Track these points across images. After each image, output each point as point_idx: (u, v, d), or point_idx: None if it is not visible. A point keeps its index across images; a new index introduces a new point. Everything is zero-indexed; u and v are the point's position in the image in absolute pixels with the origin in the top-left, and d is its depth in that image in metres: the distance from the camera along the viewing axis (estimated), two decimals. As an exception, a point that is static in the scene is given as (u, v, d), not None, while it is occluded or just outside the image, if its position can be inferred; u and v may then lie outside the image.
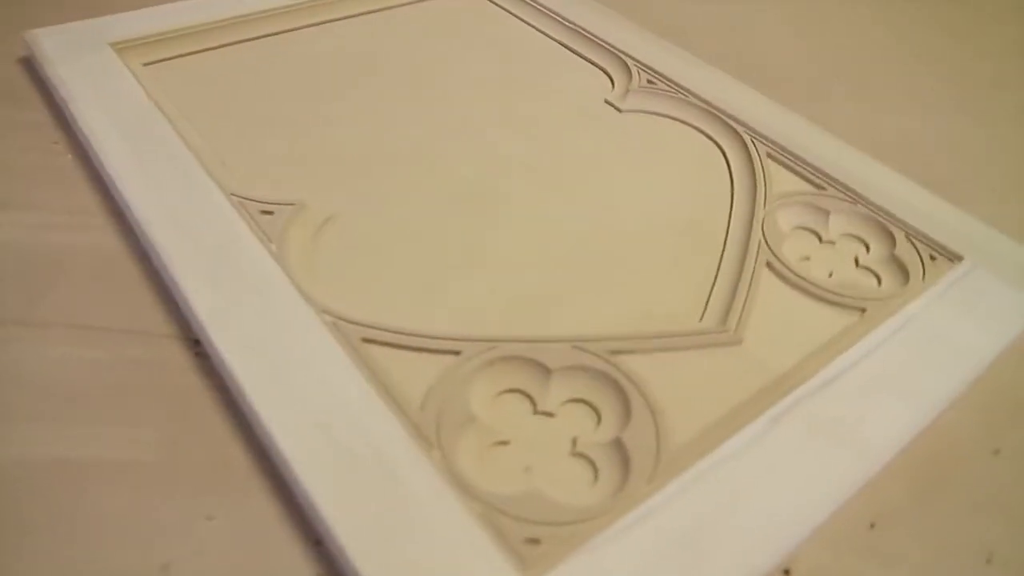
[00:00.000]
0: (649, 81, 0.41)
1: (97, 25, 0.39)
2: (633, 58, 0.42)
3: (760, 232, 0.32)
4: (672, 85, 0.41)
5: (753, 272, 0.30)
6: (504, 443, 0.24)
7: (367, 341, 0.26)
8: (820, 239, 0.33)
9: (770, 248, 0.32)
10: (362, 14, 0.45)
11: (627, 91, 0.40)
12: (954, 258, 0.32)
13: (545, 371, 0.26)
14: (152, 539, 0.21)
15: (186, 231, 0.28)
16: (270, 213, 0.30)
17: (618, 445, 0.24)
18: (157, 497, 0.22)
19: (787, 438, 0.24)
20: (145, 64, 0.38)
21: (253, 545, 0.22)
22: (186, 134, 0.33)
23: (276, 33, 0.42)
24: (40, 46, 0.37)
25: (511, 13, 0.47)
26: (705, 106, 0.39)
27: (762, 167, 0.36)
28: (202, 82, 0.38)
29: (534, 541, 0.21)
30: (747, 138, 0.37)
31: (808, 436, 0.24)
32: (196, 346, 0.27)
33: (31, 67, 0.38)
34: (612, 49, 0.43)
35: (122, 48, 0.38)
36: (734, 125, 0.38)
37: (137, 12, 0.40)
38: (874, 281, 0.31)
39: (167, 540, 0.21)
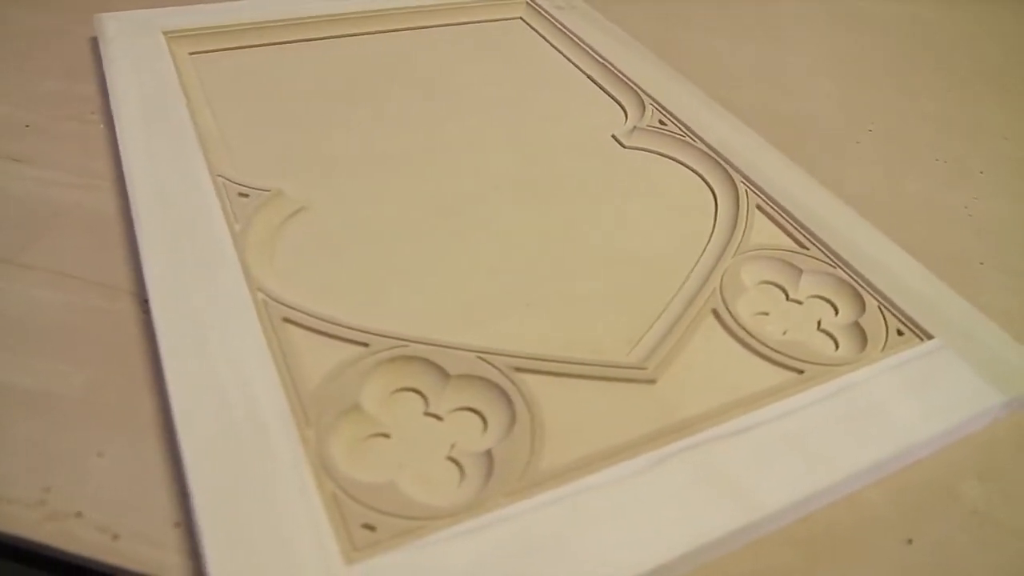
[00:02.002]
0: (660, 121, 0.41)
1: (157, 14, 0.43)
2: (652, 97, 0.43)
3: (718, 280, 0.32)
4: (682, 127, 0.41)
5: (695, 317, 0.30)
6: (385, 436, 0.25)
7: (287, 321, 0.27)
8: (787, 296, 0.32)
9: (722, 297, 0.31)
10: (404, 29, 0.48)
11: (634, 128, 0.41)
12: (924, 336, 0.30)
13: (444, 376, 0.26)
14: (42, 463, 0.24)
15: (165, 201, 0.31)
16: (246, 196, 0.32)
17: (488, 456, 0.24)
18: (60, 428, 0.25)
19: (666, 480, 0.24)
20: (191, 53, 0.42)
21: (130, 485, 0.23)
22: (200, 118, 0.37)
23: (319, 39, 0.45)
24: (104, 28, 0.42)
25: (547, 40, 0.49)
26: (709, 151, 0.39)
27: (746, 217, 0.35)
28: (237, 74, 0.42)
29: (370, 527, 0.22)
30: (742, 187, 0.37)
31: (691, 482, 0.24)
32: (145, 304, 0.29)
33: (96, 46, 0.43)
34: (634, 86, 0.44)
35: (173, 37, 0.42)
36: (732, 173, 0.38)
37: (196, 7, 0.44)
38: (831, 346, 0.30)
39: (55, 467, 0.24)
